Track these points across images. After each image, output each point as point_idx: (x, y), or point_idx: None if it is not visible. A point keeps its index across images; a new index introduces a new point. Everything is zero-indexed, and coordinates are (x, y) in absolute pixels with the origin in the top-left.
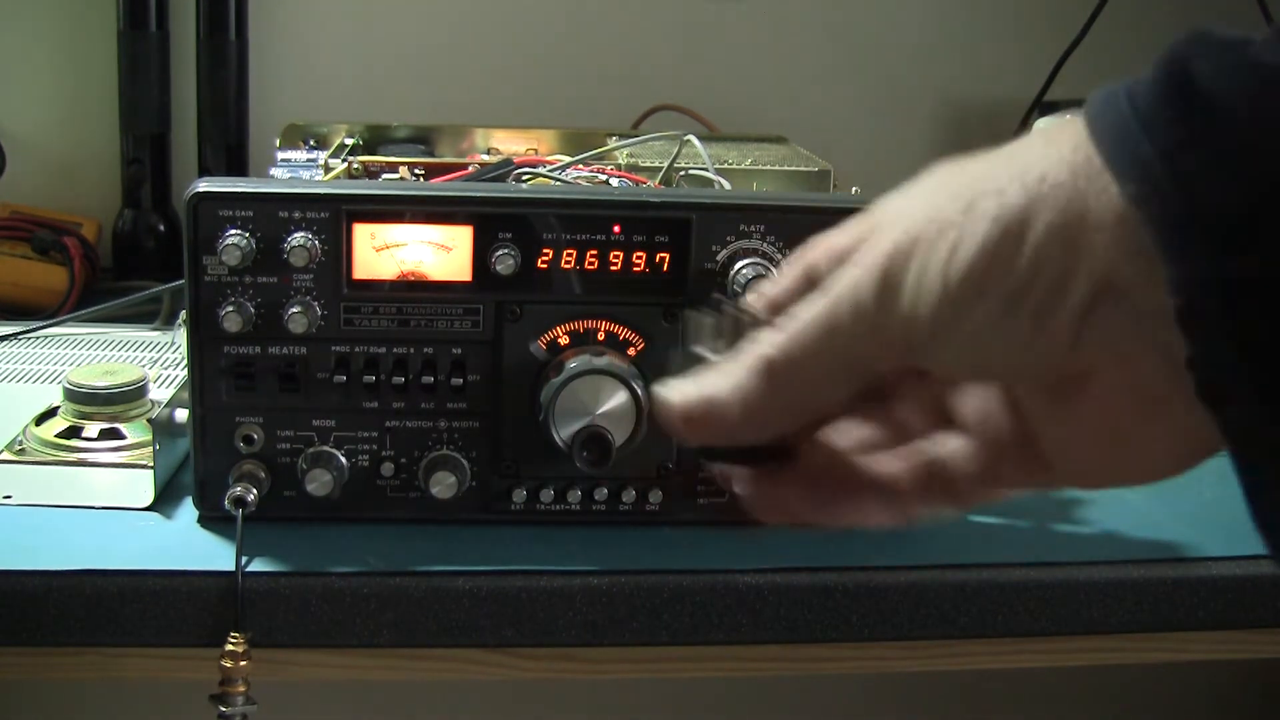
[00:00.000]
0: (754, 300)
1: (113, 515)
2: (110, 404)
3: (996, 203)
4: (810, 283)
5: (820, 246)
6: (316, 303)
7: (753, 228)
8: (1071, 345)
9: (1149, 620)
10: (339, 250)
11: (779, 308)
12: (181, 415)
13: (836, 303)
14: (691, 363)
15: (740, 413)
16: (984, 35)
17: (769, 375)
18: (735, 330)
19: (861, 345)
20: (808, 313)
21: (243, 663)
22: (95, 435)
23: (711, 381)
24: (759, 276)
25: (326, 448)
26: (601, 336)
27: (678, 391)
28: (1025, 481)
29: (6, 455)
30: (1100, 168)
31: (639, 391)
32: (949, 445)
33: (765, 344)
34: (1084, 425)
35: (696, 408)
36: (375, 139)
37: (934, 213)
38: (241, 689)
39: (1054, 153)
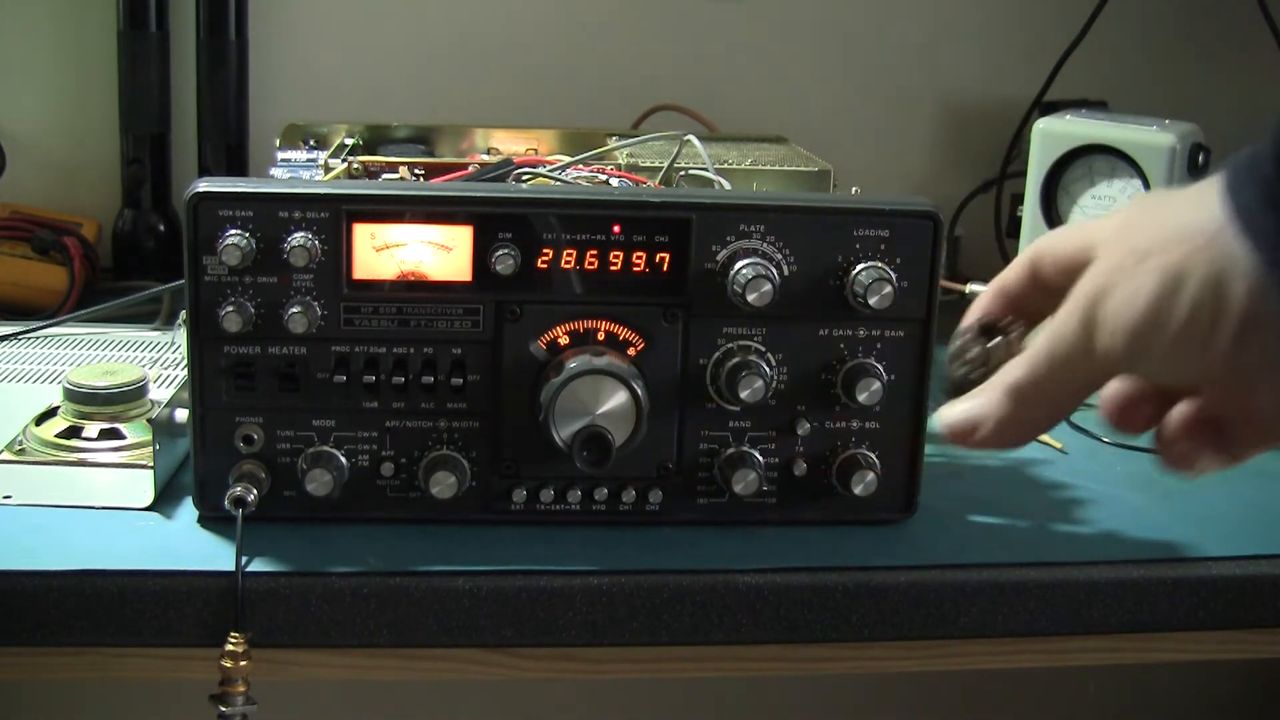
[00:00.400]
0: (988, 294)
1: (113, 515)
2: (110, 404)
3: (1161, 261)
4: (1034, 278)
5: (1045, 247)
6: (316, 303)
7: (753, 228)
8: (1230, 363)
9: (1149, 620)
10: (339, 250)
11: (1011, 299)
12: (181, 415)
13: (1057, 340)
14: (956, 387)
15: (994, 429)
16: (984, 35)
17: (1017, 398)
18: (986, 359)
19: (1080, 371)
20: (1039, 346)
21: (243, 663)
22: (95, 435)
23: (973, 404)
24: (759, 276)
25: (326, 448)
26: (601, 336)
27: (948, 413)
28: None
29: (6, 455)
30: (1234, 232)
31: (639, 391)
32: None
33: (1011, 373)
34: (1261, 404)
35: (963, 426)
36: (375, 139)
37: (1121, 259)
38: (241, 689)
39: (1204, 215)
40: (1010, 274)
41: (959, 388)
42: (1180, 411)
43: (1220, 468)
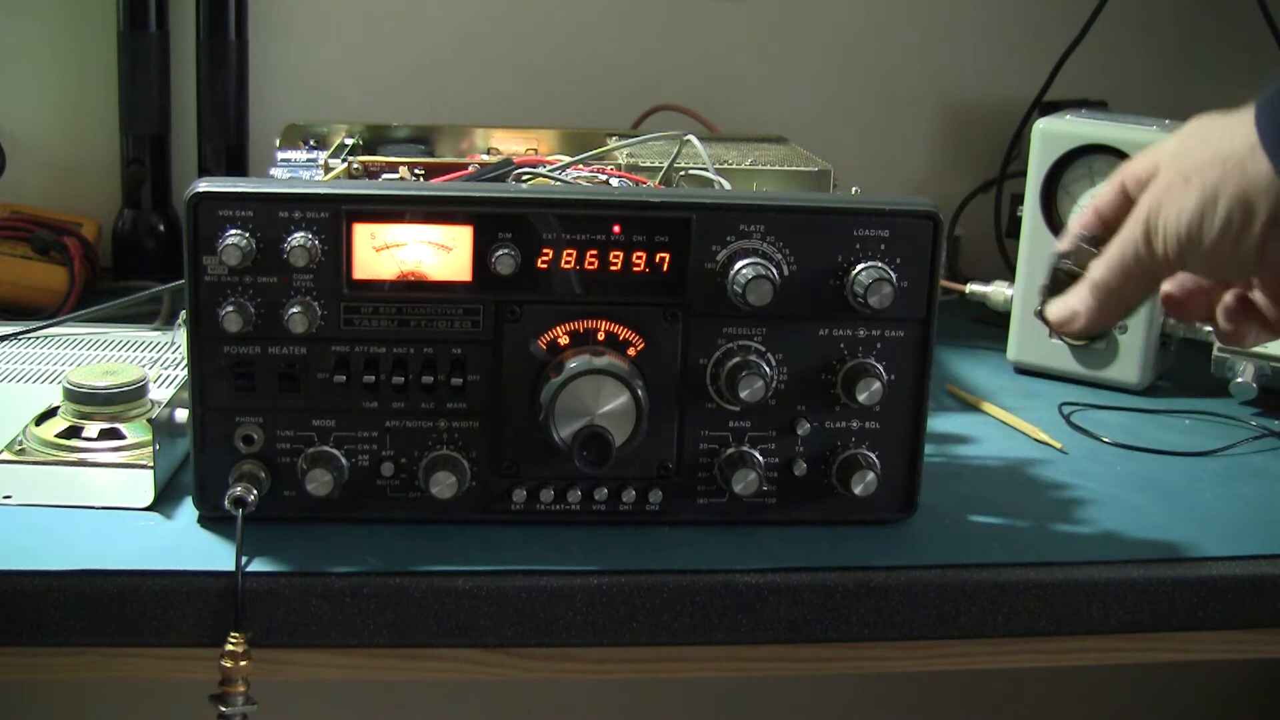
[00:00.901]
0: (1087, 212)
1: (113, 515)
2: (110, 404)
3: (1200, 181)
4: (1124, 195)
5: (1128, 170)
6: (316, 303)
7: (753, 228)
8: (1260, 258)
9: (1149, 620)
10: (339, 250)
11: (1106, 220)
12: (181, 415)
13: (1125, 246)
14: (1058, 284)
15: (1086, 317)
16: (984, 35)
17: (1098, 294)
18: (1080, 263)
19: (1143, 270)
20: (1111, 251)
21: (243, 663)
22: (95, 435)
23: (1068, 300)
24: (759, 276)
25: (326, 448)
26: (601, 336)
27: (1052, 309)
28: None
29: (6, 455)
30: (1261, 153)
31: (639, 391)
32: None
33: (1093, 273)
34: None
35: (1063, 317)
36: (375, 139)
37: (1171, 179)
38: (241, 689)
39: (1236, 141)
40: (1104, 195)
41: (1059, 285)
42: (1228, 299)
43: (1265, 340)
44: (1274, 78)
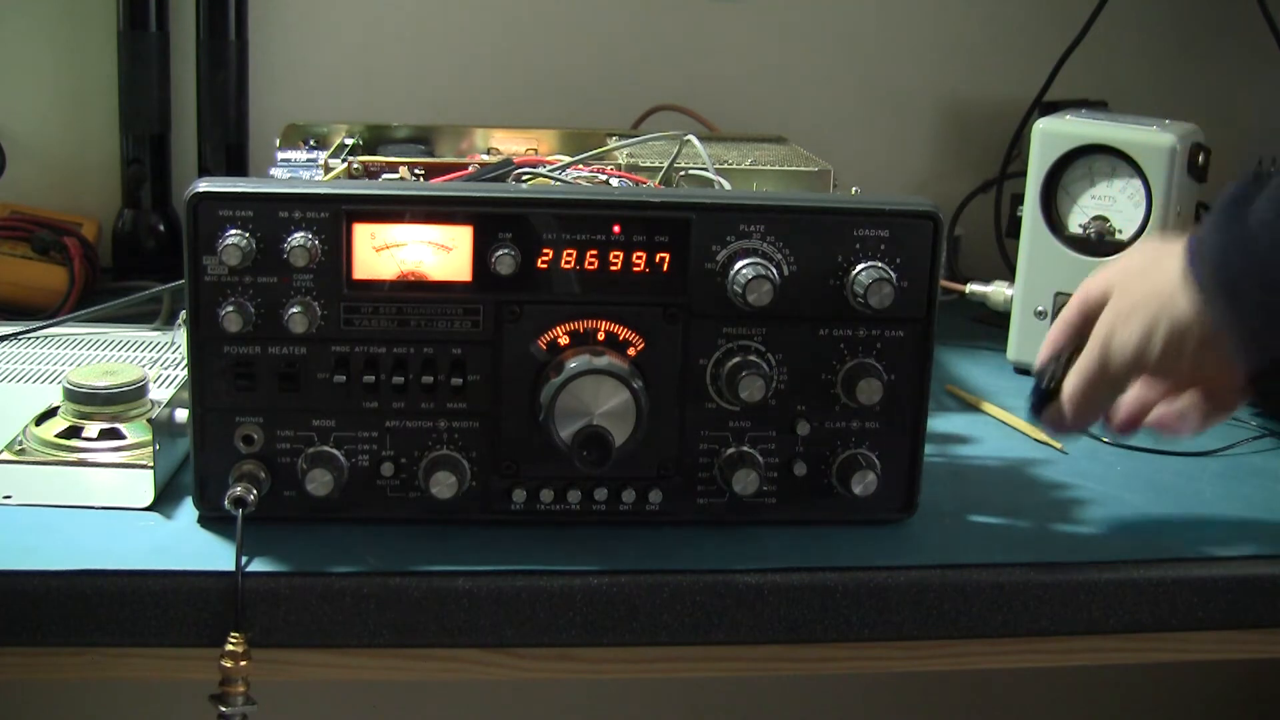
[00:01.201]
0: (1057, 329)
1: (113, 515)
2: (110, 404)
3: (1142, 315)
4: (1083, 314)
5: (1086, 294)
6: (316, 303)
7: (753, 228)
8: (1192, 374)
9: (1149, 620)
10: (339, 250)
11: (1071, 328)
12: (181, 415)
13: (1089, 367)
14: (1046, 395)
15: (1069, 422)
16: (984, 35)
17: (1073, 404)
18: (1058, 376)
19: (1107, 384)
20: (1078, 369)
21: (243, 663)
22: (95, 435)
23: (1054, 407)
24: (759, 276)
25: (326, 448)
26: (601, 336)
27: (1045, 416)
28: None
29: (6, 455)
30: (1189, 289)
31: (639, 391)
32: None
33: (1067, 386)
34: (1216, 388)
35: (1053, 421)
36: (375, 139)
37: (1118, 309)
38: (241, 689)
39: (1171, 276)
40: (1068, 314)
41: (1048, 396)
42: (1165, 400)
43: (1200, 431)
44: (1205, 218)
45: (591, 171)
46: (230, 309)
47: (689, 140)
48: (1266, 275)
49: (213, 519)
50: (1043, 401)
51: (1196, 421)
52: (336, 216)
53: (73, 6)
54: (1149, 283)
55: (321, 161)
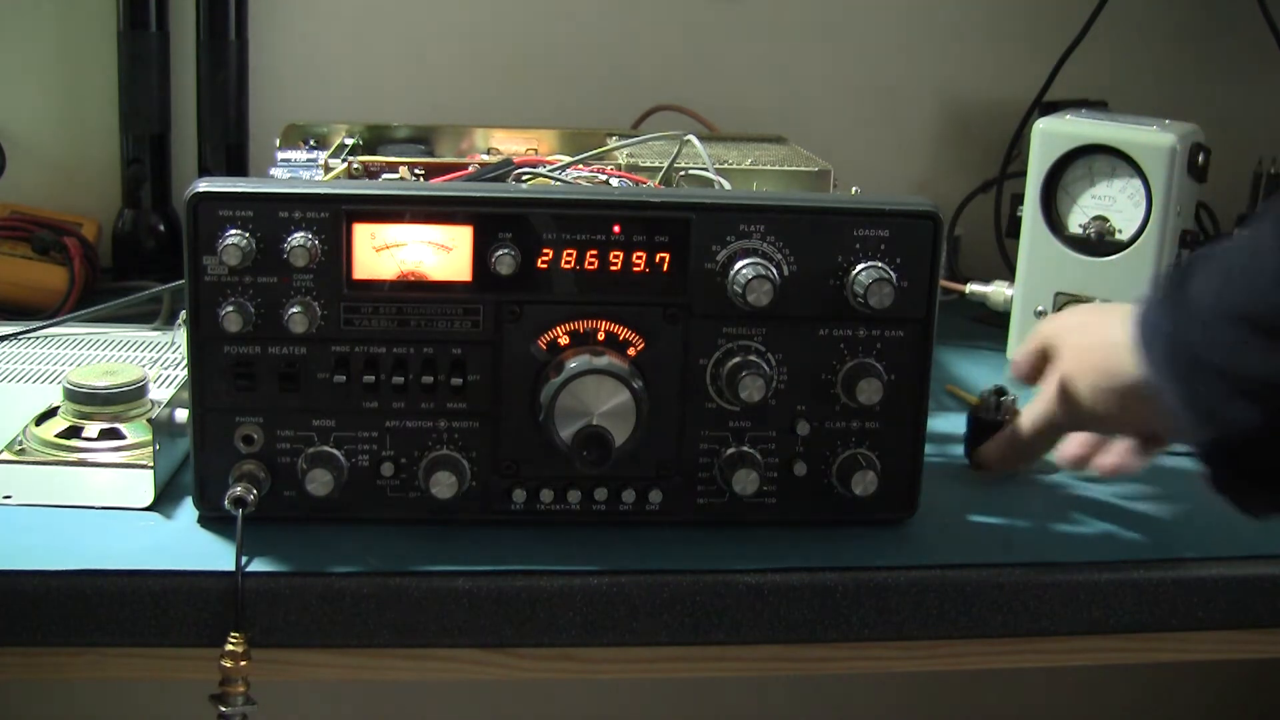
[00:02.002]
0: (1013, 366)
1: (113, 515)
2: (110, 404)
3: (1089, 378)
4: (1041, 355)
5: (1037, 338)
6: (316, 303)
7: (753, 228)
8: (1138, 421)
9: (1149, 620)
10: (339, 250)
11: (1027, 369)
12: (181, 415)
13: (1036, 414)
14: (986, 430)
15: (1011, 462)
16: (984, 35)
17: (1018, 446)
18: (1002, 414)
19: (1058, 430)
20: (1026, 415)
21: (243, 663)
22: (95, 435)
23: (996, 445)
24: (759, 276)
25: (326, 448)
26: (601, 336)
27: (985, 451)
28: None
29: (6, 455)
30: (1133, 351)
31: (639, 391)
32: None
33: (1015, 428)
34: (1158, 435)
35: (993, 459)
36: (375, 139)
37: (1066, 371)
38: (241, 689)
39: (1119, 337)
40: (1025, 350)
41: (987, 430)
42: (1116, 445)
43: (1139, 468)
44: (1154, 281)
45: (591, 171)
46: (230, 309)
47: (689, 140)
48: (1211, 361)
49: (213, 519)
50: (977, 438)
51: (1141, 461)
52: (336, 216)
53: (73, 6)
54: (1091, 349)
55: (321, 161)
